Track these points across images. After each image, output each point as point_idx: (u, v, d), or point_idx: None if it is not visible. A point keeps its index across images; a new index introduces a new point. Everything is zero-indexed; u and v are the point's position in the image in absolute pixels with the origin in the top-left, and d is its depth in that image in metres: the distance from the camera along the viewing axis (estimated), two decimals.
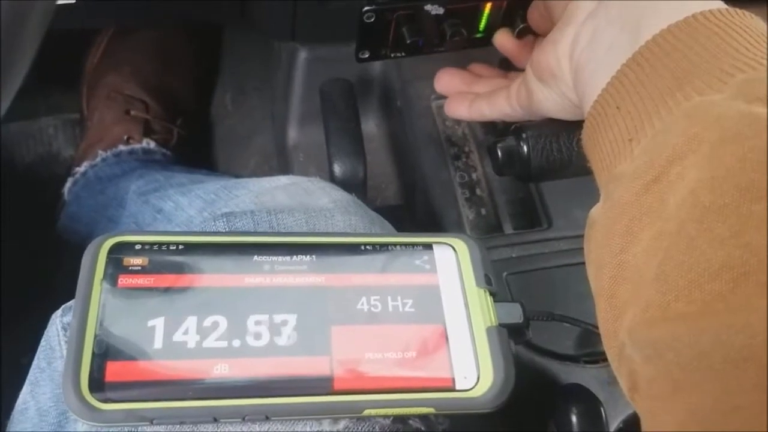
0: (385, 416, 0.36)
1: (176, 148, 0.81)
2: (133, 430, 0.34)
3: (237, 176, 0.71)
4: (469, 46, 0.54)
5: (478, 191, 0.61)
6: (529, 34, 0.51)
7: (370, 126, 0.75)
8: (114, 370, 0.34)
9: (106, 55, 0.83)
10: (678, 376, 0.27)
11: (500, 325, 0.38)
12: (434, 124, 0.64)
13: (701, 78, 0.31)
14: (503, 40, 0.52)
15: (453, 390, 0.36)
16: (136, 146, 0.77)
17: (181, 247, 0.38)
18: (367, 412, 0.35)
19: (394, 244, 0.40)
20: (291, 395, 0.34)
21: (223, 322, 0.36)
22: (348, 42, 0.53)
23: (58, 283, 0.42)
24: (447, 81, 0.53)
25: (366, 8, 0.49)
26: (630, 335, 0.29)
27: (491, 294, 0.39)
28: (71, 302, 0.38)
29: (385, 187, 0.75)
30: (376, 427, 0.36)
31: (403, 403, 0.35)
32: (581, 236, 0.36)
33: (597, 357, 0.51)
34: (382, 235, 0.43)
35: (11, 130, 0.86)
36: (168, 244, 0.38)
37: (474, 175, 0.62)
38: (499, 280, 0.43)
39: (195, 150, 0.85)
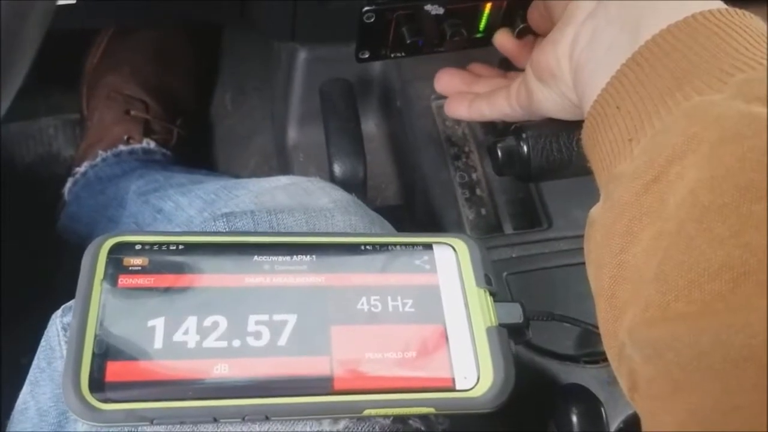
0: (385, 416, 0.36)
1: (176, 148, 0.81)
2: (133, 430, 0.34)
3: (237, 176, 0.71)
4: (469, 46, 0.54)
5: (478, 191, 0.61)
6: (529, 34, 0.51)
7: (370, 126, 0.75)
8: (114, 370, 0.34)
9: (106, 55, 0.83)
10: (678, 376, 0.27)
11: (500, 325, 0.38)
12: (434, 124, 0.64)
13: (701, 78, 0.31)
14: (503, 40, 0.52)
15: (453, 390, 0.36)
16: (136, 146, 0.77)
17: (181, 247, 0.38)
18: (367, 412, 0.35)
19: (394, 244, 0.40)
20: (291, 395, 0.34)
21: (223, 322, 0.36)
22: (348, 42, 0.53)
23: (58, 283, 0.42)
24: (447, 81, 0.53)
25: (366, 8, 0.49)
26: (630, 335, 0.29)
27: (491, 294, 0.39)
28: (71, 302, 0.38)
29: (385, 187, 0.75)
30: (376, 427, 0.36)
31: (403, 403, 0.35)
32: (581, 236, 0.36)
33: (597, 357, 0.51)
34: (382, 235, 0.43)
35: (11, 130, 0.86)
36: (168, 244, 0.38)
37: (474, 175, 0.62)
38: (499, 280, 0.43)
39: (195, 150, 0.85)
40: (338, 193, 0.48)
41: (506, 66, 0.54)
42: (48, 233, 0.77)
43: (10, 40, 0.28)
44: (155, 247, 0.38)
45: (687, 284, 0.27)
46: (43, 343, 0.41)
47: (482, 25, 0.52)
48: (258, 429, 0.35)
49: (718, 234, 0.27)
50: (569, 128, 0.44)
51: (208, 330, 0.35)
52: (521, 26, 0.50)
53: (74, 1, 0.46)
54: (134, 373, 0.34)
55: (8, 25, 0.27)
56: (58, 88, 0.87)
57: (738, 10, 0.33)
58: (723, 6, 0.33)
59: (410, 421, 0.38)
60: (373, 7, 0.49)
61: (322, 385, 0.35)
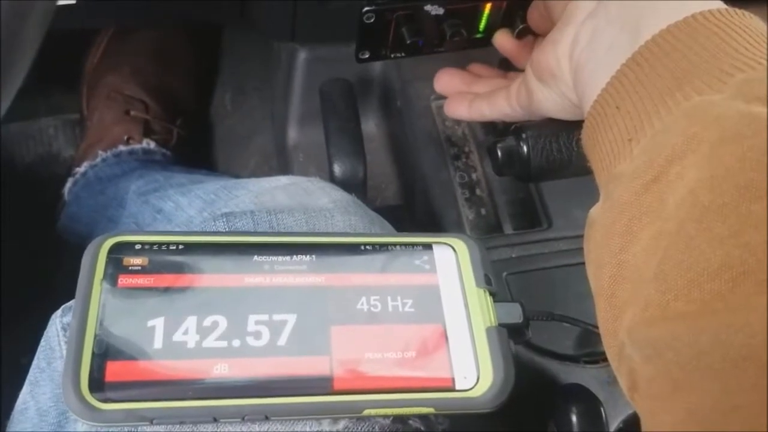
0: (385, 416, 0.36)
1: (176, 149, 0.81)
2: (133, 430, 0.34)
3: (237, 176, 0.71)
4: (468, 46, 0.54)
5: (477, 191, 0.61)
6: (529, 35, 0.51)
7: (370, 126, 0.75)
8: (114, 370, 0.34)
9: (106, 55, 0.83)
10: (677, 376, 0.27)
11: (500, 325, 0.38)
12: (434, 124, 0.64)
13: (701, 78, 0.31)
14: (503, 40, 0.52)
15: (453, 390, 0.36)
16: (136, 146, 0.77)
17: (181, 247, 0.38)
18: (366, 412, 0.35)
19: (394, 244, 0.40)
20: (291, 395, 0.34)
21: (222, 322, 0.36)
22: (348, 42, 0.53)
23: (58, 283, 0.42)
24: (447, 81, 0.53)
25: (366, 8, 0.49)
26: (629, 335, 0.29)
27: (491, 294, 0.39)
28: (71, 302, 0.38)
29: (385, 187, 0.75)
30: (376, 427, 0.36)
31: (403, 403, 0.35)
32: (581, 236, 0.36)
33: (597, 357, 0.51)
34: (382, 235, 0.43)
35: (11, 130, 0.86)
36: (168, 244, 0.38)
37: (474, 176, 0.62)
38: (498, 280, 0.43)
39: (195, 150, 0.85)
40: (338, 193, 0.48)
41: (506, 66, 0.54)
42: (48, 233, 0.77)
43: (10, 40, 0.28)
44: (155, 247, 0.38)
45: (686, 284, 0.27)
46: (42, 343, 0.41)
47: (482, 25, 0.52)
48: (258, 429, 0.35)
49: (717, 233, 0.27)
50: (569, 128, 0.44)
51: (207, 330, 0.35)
52: (521, 26, 0.50)
53: (74, 1, 0.46)
54: (134, 372, 0.34)
55: (8, 25, 0.27)
56: (58, 88, 0.87)
57: (738, 10, 0.33)
58: (723, 6, 0.34)
59: (410, 421, 0.38)
60: (373, 7, 0.49)
61: (321, 385, 0.35)
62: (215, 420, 0.34)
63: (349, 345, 0.36)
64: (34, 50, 0.30)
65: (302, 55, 0.67)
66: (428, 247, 0.40)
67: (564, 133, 0.45)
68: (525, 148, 0.46)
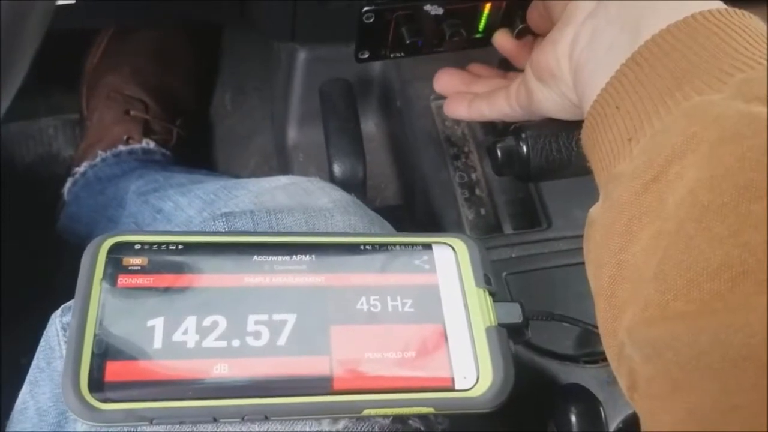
0: (385, 416, 0.36)
1: (176, 149, 0.81)
2: (132, 430, 0.34)
3: (237, 176, 0.71)
4: (468, 46, 0.54)
5: (477, 191, 0.61)
6: (529, 35, 0.51)
7: (370, 126, 0.75)
8: (113, 370, 0.34)
9: (106, 55, 0.83)
10: (677, 376, 0.27)
11: (500, 324, 0.38)
12: (434, 124, 0.64)
13: (700, 78, 0.31)
14: (502, 40, 0.52)
15: (452, 390, 0.36)
16: (136, 146, 0.77)
17: (180, 247, 0.38)
18: (366, 411, 0.35)
19: (394, 244, 0.40)
20: (290, 395, 0.34)
21: (222, 322, 0.36)
22: (348, 42, 0.53)
23: (58, 283, 0.42)
24: (446, 81, 0.53)
25: (366, 8, 0.49)
26: (629, 334, 0.29)
27: (491, 294, 0.39)
28: (71, 302, 0.38)
29: (385, 187, 0.75)
30: (376, 427, 0.36)
31: (403, 403, 0.35)
32: (581, 236, 0.36)
33: (596, 357, 0.51)
34: (382, 235, 0.43)
35: (11, 130, 0.86)
36: (167, 244, 0.38)
37: (473, 175, 0.62)
38: (498, 280, 0.43)
39: (194, 150, 0.85)
40: (338, 193, 0.48)
41: (506, 66, 0.54)
42: (48, 233, 0.77)
43: (10, 40, 0.28)
44: (155, 247, 0.38)
45: (686, 283, 0.27)
46: (42, 342, 0.41)
47: (482, 25, 0.52)
48: (257, 429, 0.35)
49: (717, 233, 0.27)
50: (569, 128, 0.44)
51: (207, 330, 0.35)
52: (520, 26, 0.50)
53: (74, 1, 0.46)
54: (134, 372, 0.34)
55: (8, 25, 0.27)
56: (58, 88, 0.87)
57: (737, 10, 0.33)
58: (723, 6, 0.34)
59: (410, 421, 0.38)
60: (373, 7, 0.49)
61: (321, 385, 0.35)
62: (215, 420, 0.34)
63: (349, 345, 0.36)
64: (34, 50, 0.30)
65: (302, 55, 0.67)
66: (428, 247, 0.41)
67: (564, 133, 0.45)
68: (524, 148, 0.46)
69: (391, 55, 0.54)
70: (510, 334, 0.38)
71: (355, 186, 0.56)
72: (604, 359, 0.44)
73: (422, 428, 0.38)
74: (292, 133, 0.75)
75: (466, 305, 0.38)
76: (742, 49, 0.31)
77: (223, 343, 0.35)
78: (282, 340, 0.36)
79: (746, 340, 0.25)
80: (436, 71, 0.54)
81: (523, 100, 0.45)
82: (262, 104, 0.90)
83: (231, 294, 0.37)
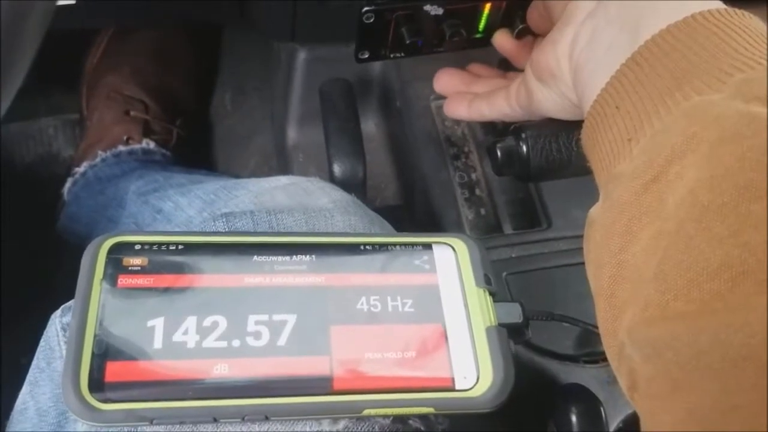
0: (385, 416, 0.36)
1: (176, 149, 0.81)
2: (133, 430, 0.34)
3: (237, 176, 0.71)
4: (468, 46, 0.54)
5: (477, 191, 0.61)
6: (528, 35, 0.51)
7: (370, 126, 0.75)
8: (114, 370, 0.34)
9: (106, 55, 0.83)
10: (677, 375, 0.27)
11: (500, 324, 0.38)
12: (434, 124, 0.64)
13: (700, 78, 0.31)
14: (502, 40, 0.52)
15: (452, 390, 0.36)
16: (136, 146, 0.77)
17: (180, 247, 0.38)
18: (366, 412, 0.35)
19: (394, 244, 0.40)
20: (291, 395, 0.34)
21: (222, 322, 0.36)
22: (347, 42, 0.53)
23: (58, 283, 0.42)
24: (446, 81, 0.53)
25: (365, 8, 0.49)
26: (629, 334, 0.30)
27: (491, 294, 0.39)
28: (71, 302, 0.38)
29: (385, 187, 0.75)
30: (376, 427, 0.36)
31: (403, 403, 0.35)
32: (581, 236, 0.36)
33: (597, 357, 0.51)
34: (382, 235, 0.43)
35: (11, 130, 0.86)
36: (167, 244, 0.38)
37: (473, 175, 0.62)
38: (498, 280, 0.43)
39: (194, 150, 0.85)
40: (338, 193, 0.48)
41: (505, 66, 0.54)
42: (48, 233, 0.77)
43: (10, 40, 0.28)
44: (155, 247, 0.38)
45: (686, 283, 0.27)
46: (42, 343, 0.41)
47: (481, 25, 0.52)
48: (258, 429, 0.35)
49: (717, 233, 0.27)
50: (569, 128, 0.44)
51: (207, 330, 0.35)
52: (520, 26, 0.50)
53: (74, 1, 0.46)
54: (134, 373, 0.34)
55: (8, 25, 0.27)
56: (58, 88, 0.87)
57: (737, 10, 0.33)
58: (722, 6, 0.34)
59: (410, 421, 0.38)
60: (373, 7, 0.49)
61: (321, 385, 0.35)
62: (215, 420, 0.34)
63: (349, 345, 0.36)
64: (34, 50, 0.30)
65: (302, 55, 0.67)
66: (428, 247, 0.41)
67: (563, 133, 0.45)
68: (524, 148, 0.46)
69: (391, 55, 0.54)
70: (510, 334, 0.38)
71: (355, 186, 0.56)
72: (604, 359, 0.44)
73: (422, 428, 0.38)
74: (292, 133, 0.75)
75: (466, 305, 0.38)
76: (741, 49, 0.31)
77: (224, 344, 0.35)
78: (282, 341, 0.36)
79: (746, 340, 0.25)
80: (436, 71, 0.54)
81: (523, 100, 0.45)
82: (262, 104, 0.90)
83: (231, 294, 0.37)
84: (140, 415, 0.33)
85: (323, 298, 0.37)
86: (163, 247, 0.38)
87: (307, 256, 0.39)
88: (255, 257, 0.38)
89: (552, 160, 0.46)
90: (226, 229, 0.44)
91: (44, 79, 0.60)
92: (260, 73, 0.90)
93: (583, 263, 0.35)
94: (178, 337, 0.35)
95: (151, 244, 0.38)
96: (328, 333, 0.36)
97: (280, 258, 0.38)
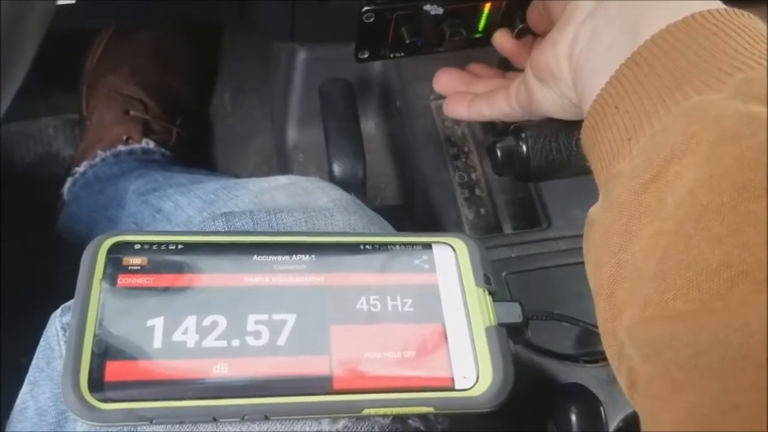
0: (385, 416, 0.36)
1: (175, 148, 0.81)
2: (132, 429, 0.34)
3: (236, 176, 0.71)
4: (468, 46, 0.54)
5: (477, 191, 0.61)
6: (528, 35, 0.51)
7: (370, 126, 0.75)
8: (113, 370, 0.34)
9: (106, 55, 0.83)
10: (676, 375, 0.27)
11: (499, 324, 0.38)
12: (433, 124, 0.64)
13: (700, 77, 0.31)
14: (502, 40, 0.52)
15: (452, 389, 0.36)
16: (136, 146, 0.77)
17: (180, 246, 0.38)
18: (366, 411, 0.35)
19: (394, 244, 0.40)
20: (290, 395, 0.34)
21: (222, 322, 0.36)
22: (347, 42, 0.53)
23: (58, 283, 0.42)
24: (446, 81, 0.53)
25: (365, 8, 0.49)
26: (629, 334, 0.30)
27: (490, 293, 0.39)
28: (70, 302, 0.38)
29: (385, 187, 0.75)
30: (376, 427, 0.36)
31: (403, 403, 0.35)
32: (580, 236, 0.36)
33: (596, 356, 0.51)
34: (382, 234, 0.43)
35: (11, 130, 0.86)
36: (167, 243, 0.38)
37: (473, 175, 0.62)
38: (498, 280, 0.43)
39: (194, 150, 0.85)
40: (337, 193, 0.48)
41: (505, 66, 0.54)
42: (48, 233, 0.77)
43: (10, 40, 0.28)
44: (154, 247, 0.38)
45: (685, 283, 0.27)
46: (42, 342, 0.41)
47: (481, 25, 0.52)
48: (257, 429, 0.35)
49: (716, 233, 0.27)
50: (568, 128, 0.44)
51: (207, 329, 0.35)
52: (520, 26, 0.50)
53: (74, 1, 0.46)
54: (133, 372, 0.34)
55: (8, 25, 0.27)
56: (58, 88, 0.87)
57: (737, 10, 0.33)
58: (722, 6, 0.34)
59: (409, 421, 0.38)
60: (373, 7, 0.49)
61: (321, 384, 0.35)
62: (215, 420, 0.34)
63: (349, 344, 0.36)
64: (34, 50, 0.30)
65: (302, 55, 0.67)
66: (428, 246, 0.41)
67: (563, 133, 0.45)
68: (524, 148, 0.46)
69: (391, 55, 0.54)
70: (510, 334, 0.38)
71: (355, 186, 0.56)
72: (604, 359, 0.44)
73: (422, 428, 0.39)
74: (292, 133, 0.75)
75: (465, 305, 0.38)
76: (741, 49, 0.31)
77: (223, 343, 0.35)
78: (282, 340, 0.36)
79: (745, 340, 0.25)
80: (436, 71, 0.54)
81: (523, 100, 0.45)
82: (262, 104, 0.90)
83: (231, 294, 0.37)
84: (140, 415, 0.33)
85: (323, 298, 0.37)
86: (163, 247, 0.38)
87: (307, 256, 0.39)
88: (255, 257, 0.38)
89: (552, 160, 0.46)
90: (226, 229, 0.44)
91: (44, 79, 0.60)
92: (260, 73, 0.90)
93: (582, 263, 0.35)
94: (177, 336, 0.35)
95: (151, 243, 0.38)
96: (328, 333, 0.36)
97: (279, 258, 0.38)
